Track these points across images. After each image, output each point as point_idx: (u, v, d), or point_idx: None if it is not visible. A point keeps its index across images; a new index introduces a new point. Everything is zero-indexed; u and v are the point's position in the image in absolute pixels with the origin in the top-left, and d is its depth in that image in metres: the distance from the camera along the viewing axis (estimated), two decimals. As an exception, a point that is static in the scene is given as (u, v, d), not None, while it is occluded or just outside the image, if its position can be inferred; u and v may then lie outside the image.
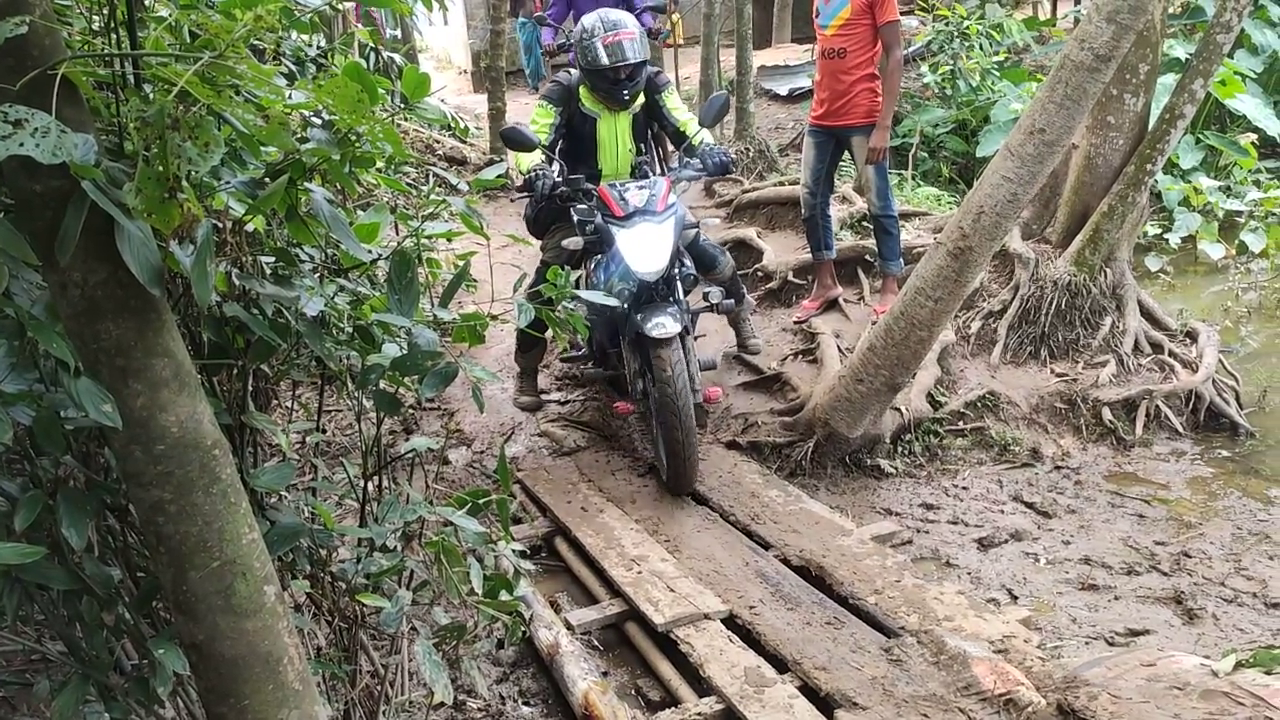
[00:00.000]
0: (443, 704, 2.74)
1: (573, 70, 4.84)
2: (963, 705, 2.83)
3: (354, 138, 1.74)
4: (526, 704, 3.26)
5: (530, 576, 3.62)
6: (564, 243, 4.50)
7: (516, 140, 4.35)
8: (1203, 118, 9.35)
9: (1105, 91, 5.06)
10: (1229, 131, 9.40)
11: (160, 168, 1.28)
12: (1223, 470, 4.85)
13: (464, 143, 10.51)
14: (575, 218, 4.53)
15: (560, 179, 4.47)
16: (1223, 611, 3.67)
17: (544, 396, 5.54)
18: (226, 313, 1.80)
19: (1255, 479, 4.74)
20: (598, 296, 2.44)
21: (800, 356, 5.65)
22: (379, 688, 2.69)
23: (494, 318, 2.34)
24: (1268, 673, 2.74)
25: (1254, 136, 8.98)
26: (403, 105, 1.89)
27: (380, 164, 2.28)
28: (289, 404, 3.33)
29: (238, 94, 1.51)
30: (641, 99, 4.84)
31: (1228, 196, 8.37)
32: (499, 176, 2.27)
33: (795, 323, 5.95)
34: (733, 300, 4.98)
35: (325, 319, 2.08)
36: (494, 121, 10.01)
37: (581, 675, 3.09)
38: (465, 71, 21.04)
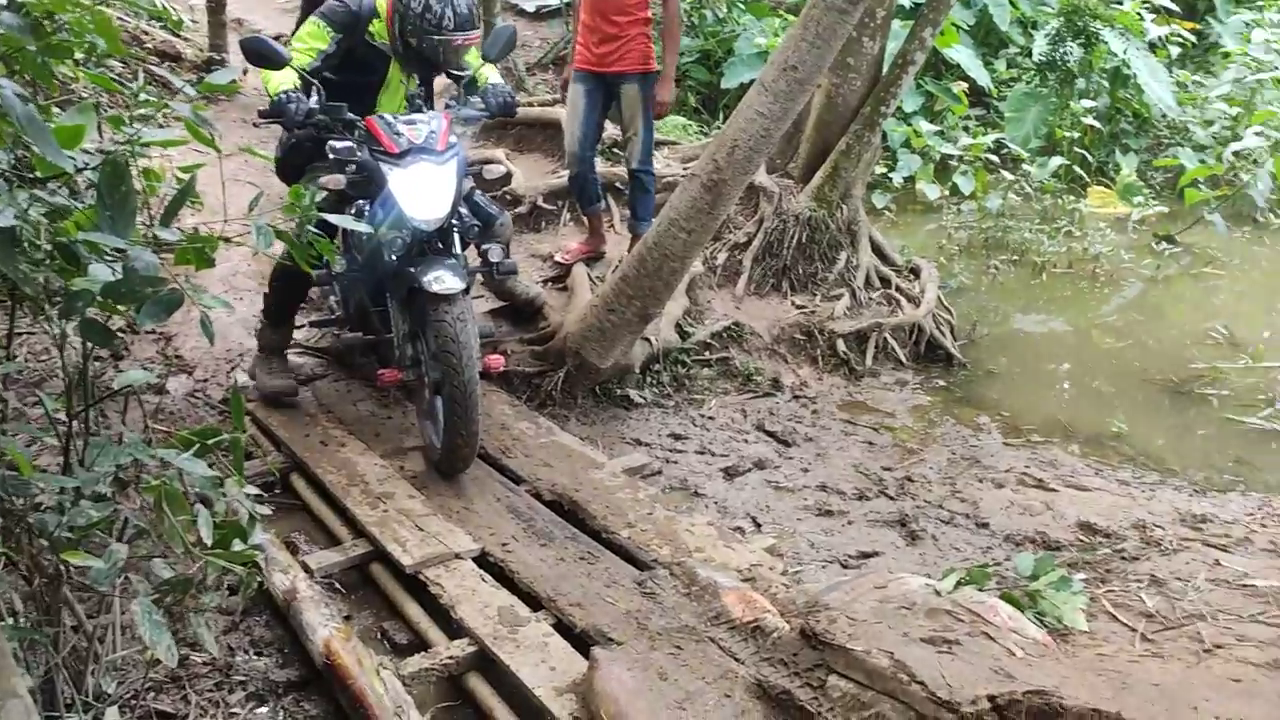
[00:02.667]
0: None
1: None
2: (714, 635, 2.88)
3: (49, 24, 1.45)
4: (259, 654, 3.02)
5: (264, 520, 3.36)
6: (321, 180, 3.71)
7: (260, 54, 3.60)
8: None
9: (848, 33, 5.20)
10: (944, 79, 10.02)
11: None
12: (939, 399, 5.22)
13: (178, 36, 9.56)
14: (332, 155, 3.74)
15: (318, 105, 3.79)
16: (941, 532, 3.94)
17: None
18: (-116, 226, 1.48)
19: (966, 407, 5.13)
20: (349, 221, 2.21)
21: (550, 284, 5.56)
22: (87, 647, 2.41)
23: (226, 240, 2.09)
24: (981, 589, 2.96)
25: (966, 85, 9.65)
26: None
27: (79, 55, 1.96)
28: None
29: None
30: None
31: (943, 140, 8.99)
32: (233, 82, 2.00)
33: (557, 264, 5.69)
34: (514, 261, 4.28)
35: (17, 234, 1.77)
36: (212, 15, 9.17)
37: (322, 622, 2.90)
38: (179, -42, 19.20)
